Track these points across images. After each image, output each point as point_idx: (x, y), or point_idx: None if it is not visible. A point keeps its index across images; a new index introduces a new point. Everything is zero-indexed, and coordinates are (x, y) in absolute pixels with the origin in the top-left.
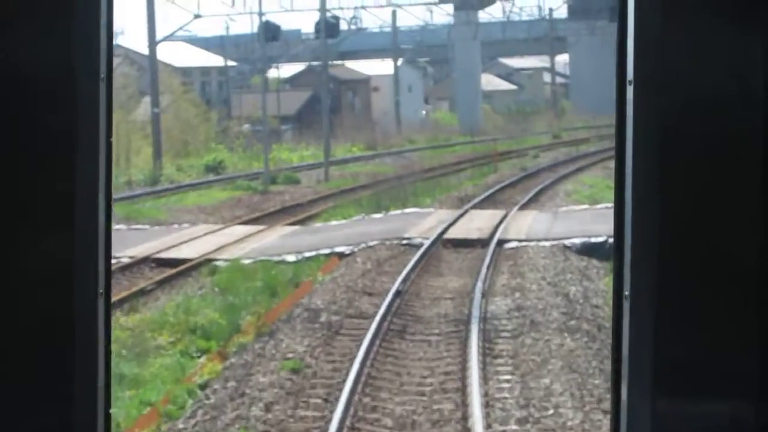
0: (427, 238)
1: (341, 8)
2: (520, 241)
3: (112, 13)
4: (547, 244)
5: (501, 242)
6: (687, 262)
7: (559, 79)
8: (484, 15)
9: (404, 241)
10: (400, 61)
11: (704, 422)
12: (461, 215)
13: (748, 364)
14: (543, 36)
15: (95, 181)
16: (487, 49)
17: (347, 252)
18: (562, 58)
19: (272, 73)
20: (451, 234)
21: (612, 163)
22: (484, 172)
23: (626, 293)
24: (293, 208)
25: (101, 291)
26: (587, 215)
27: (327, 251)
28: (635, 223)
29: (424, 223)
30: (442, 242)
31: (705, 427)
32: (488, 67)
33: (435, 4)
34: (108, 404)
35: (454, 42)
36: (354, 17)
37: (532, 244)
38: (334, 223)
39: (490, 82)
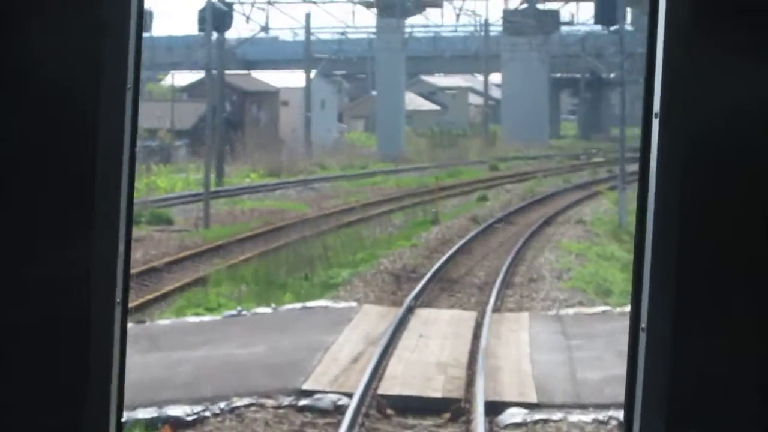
0: (345, 395)
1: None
2: (528, 407)
3: (142, 21)
4: (582, 417)
5: (493, 410)
6: (705, 296)
7: (488, 100)
8: (408, 26)
9: (302, 401)
10: (313, 73)
11: None
12: (402, 320)
13: (765, 400)
14: (474, 52)
15: (117, 192)
16: (409, 66)
17: (190, 419)
18: (493, 78)
19: (168, 80)
20: (390, 384)
21: (588, 218)
22: (420, 222)
23: (643, 325)
24: (138, 280)
25: (119, 300)
26: (615, 328)
27: (151, 413)
28: (655, 256)
29: (339, 342)
30: (375, 403)
31: None
32: (409, 84)
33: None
34: (120, 412)
35: (377, 53)
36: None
37: (555, 417)
38: (190, 320)
39: (411, 101)
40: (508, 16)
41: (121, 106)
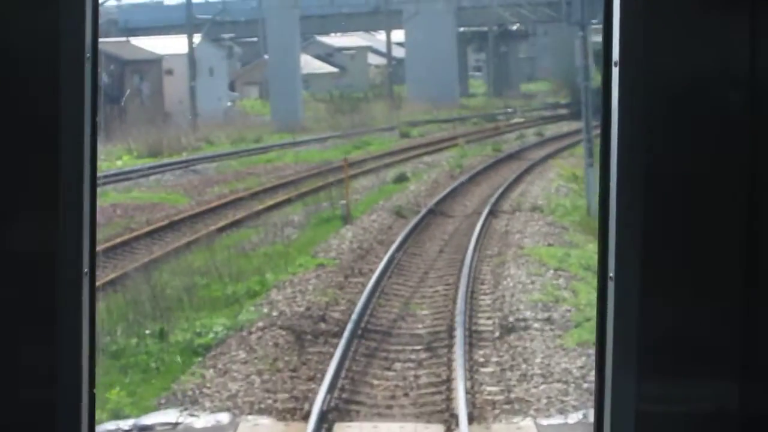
0: None
1: None
2: None
3: None
4: None
5: None
6: (671, 244)
7: (387, 59)
8: None
9: None
10: (197, 38)
11: (689, 402)
12: None
13: (731, 346)
14: (374, 8)
15: (80, 162)
16: (303, 26)
17: None
18: (395, 36)
19: None
20: None
21: (543, 202)
22: (327, 218)
23: (611, 275)
24: None
25: (86, 270)
26: None
27: None
28: (620, 204)
29: None
30: None
31: (689, 407)
32: (305, 46)
33: None
34: (92, 384)
35: (266, 11)
36: None
37: None
38: None
39: (307, 64)
40: None
41: (81, 76)
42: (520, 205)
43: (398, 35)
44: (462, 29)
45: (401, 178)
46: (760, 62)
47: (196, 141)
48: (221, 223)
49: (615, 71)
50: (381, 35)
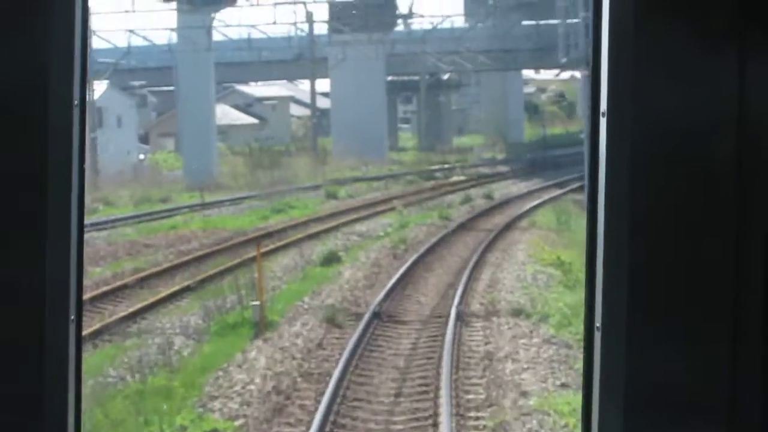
0: None
1: None
2: None
3: (87, 39)
4: None
5: None
6: (657, 295)
7: (311, 110)
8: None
9: None
10: (101, 85)
11: None
12: None
13: (717, 394)
14: (297, 55)
15: (67, 208)
16: (220, 73)
17: None
18: (322, 85)
19: None
20: None
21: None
22: (232, 326)
23: (597, 325)
24: None
25: (73, 317)
26: None
27: None
28: (607, 255)
29: None
30: None
31: None
32: (222, 96)
33: None
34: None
35: (178, 56)
36: None
37: None
38: None
39: (225, 114)
40: (336, 8)
41: (69, 123)
42: (494, 303)
43: (323, 84)
44: (391, 78)
45: (332, 258)
46: (749, 110)
47: (93, 202)
48: (88, 330)
49: (603, 121)
50: (304, 84)
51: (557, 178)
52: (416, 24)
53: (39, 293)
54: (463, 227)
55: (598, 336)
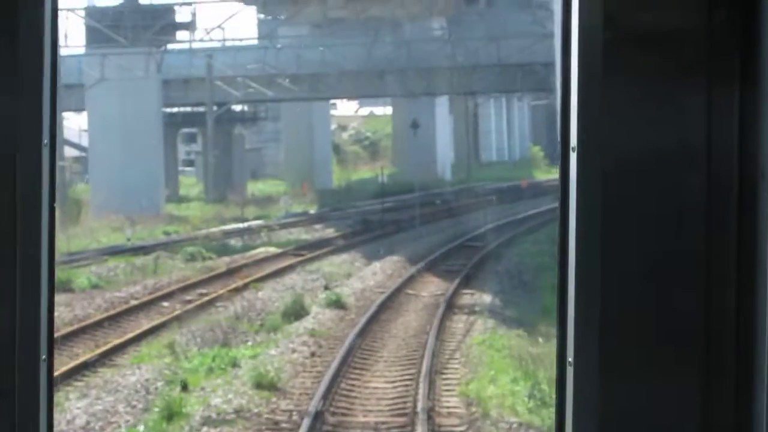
0: None
1: None
2: None
3: (56, 77)
4: None
5: None
6: (629, 330)
7: (69, 152)
8: None
9: None
10: None
11: None
12: None
13: (690, 429)
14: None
15: (38, 247)
16: None
17: None
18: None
19: None
20: None
21: None
22: None
23: (570, 360)
24: None
25: (44, 357)
26: None
27: None
28: (578, 290)
29: None
30: None
31: None
32: None
33: None
34: None
35: None
36: None
37: None
38: None
39: None
40: (92, 16)
41: (38, 163)
42: None
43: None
44: (170, 109)
45: None
46: (717, 141)
47: None
48: None
49: (573, 156)
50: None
51: (427, 250)
52: (200, 39)
53: (10, 333)
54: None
55: (570, 371)
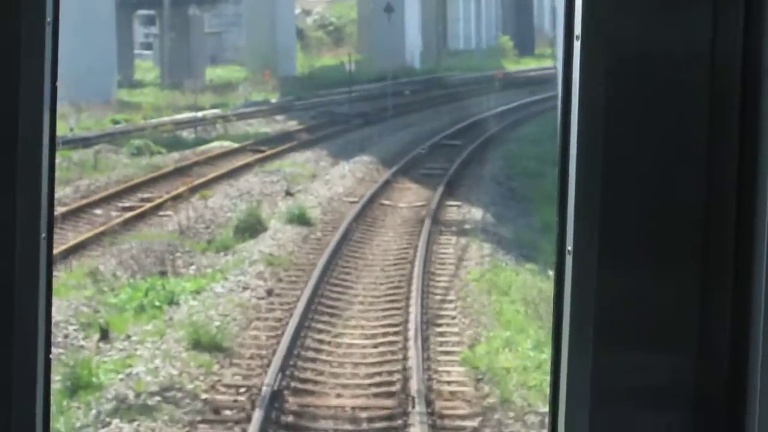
0: None
1: None
2: None
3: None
4: None
5: None
6: (629, 218)
7: None
8: None
9: None
10: None
11: (644, 374)
12: None
13: (687, 319)
14: None
15: (40, 127)
16: None
17: None
18: None
19: None
20: None
21: None
22: None
23: (569, 248)
24: None
25: (44, 236)
26: None
27: None
28: (579, 178)
29: None
30: None
31: (644, 379)
32: None
33: None
34: (48, 350)
35: None
36: None
37: None
38: None
39: None
40: None
41: (41, 42)
42: None
43: None
44: None
45: None
46: (722, 37)
47: None
48: None
49: (577, 45)
50: None
51: (401, 149)
52: None
53: (11, 214)
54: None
55: (569, 260)
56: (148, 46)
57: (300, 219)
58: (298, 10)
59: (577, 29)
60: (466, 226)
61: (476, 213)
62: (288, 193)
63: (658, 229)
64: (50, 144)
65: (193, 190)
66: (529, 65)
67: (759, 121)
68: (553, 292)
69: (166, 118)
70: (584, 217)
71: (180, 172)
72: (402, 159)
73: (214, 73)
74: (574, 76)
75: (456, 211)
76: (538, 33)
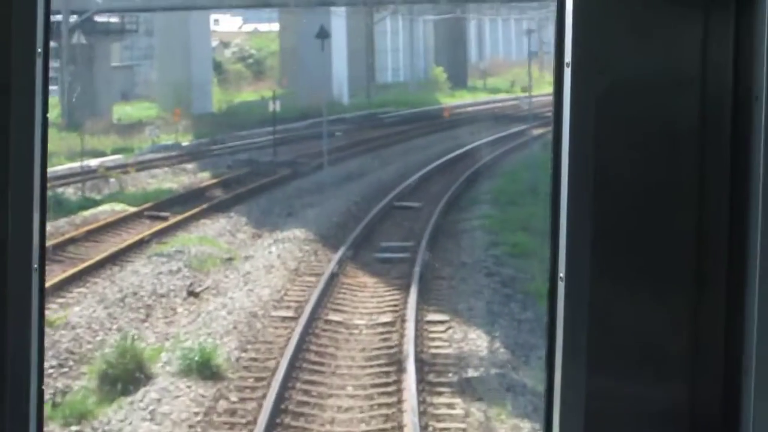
0: None
1: None
2: None
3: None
4: None
5: None
6: (620, 246)
7: None
8: None
9: None
10: None
11: (638, 402)
12: None
13: (680, 346)
14: None
15: (31, 157)
16: None
17: None
18: None
19: None
20: None
21: None
22: None
23: (561, 275)
24: None
25: (36, 266)
26: None
27: None
28: (571, 205)
29: None
30: None
31: (638, 404)
32: None
33: None
34: (41, 380)
35: None
36: None
37: None
38: None
39: None
40: None
41: (32, 72)
42: None
43: None
44: None
45: None
46: (712, 62)
47: None
48: None
49: (567, 72)
50: None
51: (344, 215)
52: None
53: (2, 243)
54: None
55: (561, 286)
56: (53, 81)
57: (202, 368)
58: (215, 42)
59: (567, 56)
60: (471, 373)
61: (476, 339)
62: (191, 293)
63: (650, 255)
64: (41, 176)
65: (58, 287)
66: (464, 98)
67: (750, 146)
68: (546, 316)
69: (59, 167)
70: (576, 243)
71: (49, 253)
72: (348, 233)
73: (123, 111)
74: (564, 102)
75: (446, 336)
76: (468, 64)
